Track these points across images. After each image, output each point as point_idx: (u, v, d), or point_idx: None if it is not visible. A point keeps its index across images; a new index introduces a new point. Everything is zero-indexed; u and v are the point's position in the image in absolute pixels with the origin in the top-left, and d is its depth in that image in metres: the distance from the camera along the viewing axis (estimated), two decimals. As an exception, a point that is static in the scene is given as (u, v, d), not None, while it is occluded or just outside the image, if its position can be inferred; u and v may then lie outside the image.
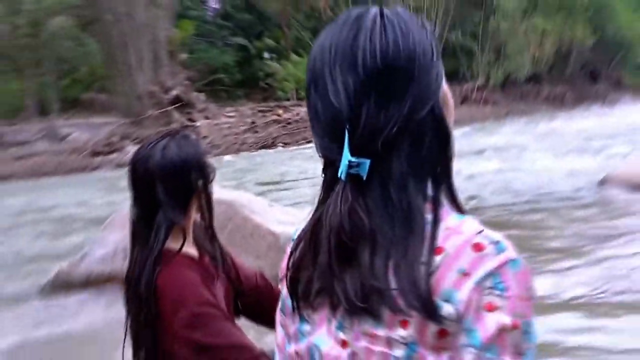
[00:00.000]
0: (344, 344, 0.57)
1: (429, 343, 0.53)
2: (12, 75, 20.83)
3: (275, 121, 18.11)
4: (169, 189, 1.15)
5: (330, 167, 0.58)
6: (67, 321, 2.83)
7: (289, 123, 19.00)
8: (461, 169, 7.76)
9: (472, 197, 5.79)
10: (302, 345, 0.63)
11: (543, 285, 2.97)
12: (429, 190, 0.57)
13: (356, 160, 0.54)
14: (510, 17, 24.59)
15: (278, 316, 0.70)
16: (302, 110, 20.70)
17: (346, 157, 0.54)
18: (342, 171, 0.54)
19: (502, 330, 0.51)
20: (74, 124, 18.34)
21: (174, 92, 17.39)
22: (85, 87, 21.73)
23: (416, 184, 0.55)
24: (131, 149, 16.36)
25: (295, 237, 0.63)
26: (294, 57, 24.91)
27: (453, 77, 26.09)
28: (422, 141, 0.55)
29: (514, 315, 0.51)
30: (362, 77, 0.54)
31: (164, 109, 16.95)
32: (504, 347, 0.51)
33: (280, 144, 16.71)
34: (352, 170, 0.54)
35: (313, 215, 0.59)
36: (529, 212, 4.87)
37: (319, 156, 0.59)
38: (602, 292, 2.89)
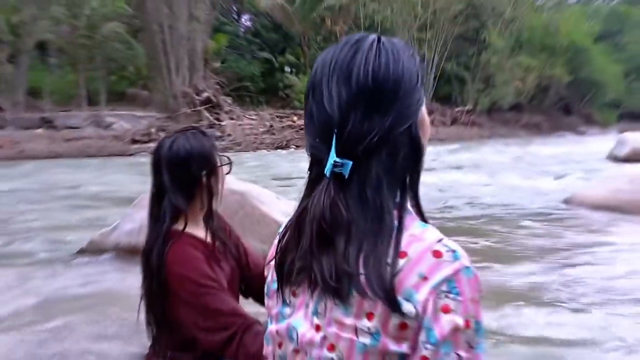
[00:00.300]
0: (317, 328, 0.57)
1: (391, 334, 0.53)
2: (68, 69, 21.18)
3: (289, 126, 18.14)
4: (173, 177, 1.15)
5: (316, 165, 0.58)
6: (92, 284, 2.80)
7: (301, 128, 19.04)
8: (442, 179, 7.70)
9: (448, 206, 5.69)
10: (282, 326, 0.62)
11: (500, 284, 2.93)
12: (398, 197, 0.57)
13: (340, 161, 0.54)
14: (499, 53, 24.49)
15: (265, 300, 0.69)
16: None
17: (332, 157, 0.54)
18: (328, 169, 0.55)
19: (456, 330, 0.52)
20: (118, 114, 18.41)
21: (205, 94, 17.38)
22: (131, 83, 21.95)
23: (389, 188, 0.56)
24: (165, 140, 16.46)
25: (283, 227, 0.63)
26: (310, 72, 24.91)
27: (446, 101, 25.98)
28: (397, 152, 0.56)
29: (467, 316, 0.52)
30: (354, 90, 0.55)
31: (196, 108, 16.97)
32: (458, 343, 0.52)
33: (293, 146, 16.76)
34: (336, 169, 0.54)
35: (299, 206, 0.59)
36: (497, 223, 4.77)
37: (307, 155, 0.59)
38: (554, 293, 2.83)
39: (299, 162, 11.37)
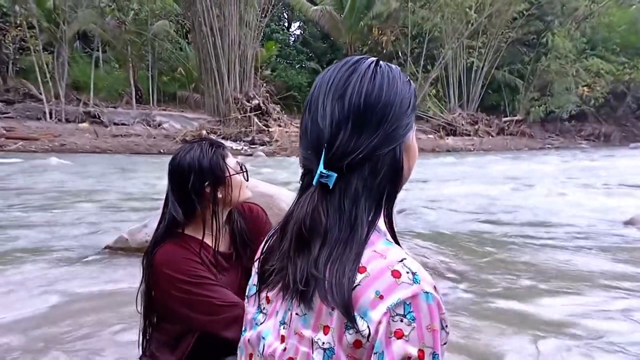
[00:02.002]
0: (282, 339, 0.57)
1: (346, 350, 0.52)
2: (118, 65, 21.32)
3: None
4: (173, 187, 1.18)
5: (307, 175, 0.59)
6: (115, 281, 2.67)
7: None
8: (484, 192, 7.03)
9: (489, 220, 5.06)
10: (253, 334, 0.62)
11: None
12: (371, 214, 0.57)
13: (326, 172, 0.56)
14: (563, 58, 22.12)
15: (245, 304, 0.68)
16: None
17: (320, 168, 0.56)
18: (315, 179, 0.56)
19: (407, 359, 0.49)
20: (169, 115, 18.65)
21: (255, 101, 17.62)
22: (181, 85, 22.27)
23: (366, 202, 0.56)
24: (214, 143, 16.80)
25: (272, 231, 0.64)
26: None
27: (493, 110, 24.53)
28: (379, 171, 0.57)
29: (421, 345, 0.49)
30: (346, 108, 0.56)
31: (246, 114, 17.27)
32: None
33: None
34: (323, 180, 0.56)
35: (288, 211, 0.60)
36: (538, 240, 4.16)
37: (300, 166, 0.61)
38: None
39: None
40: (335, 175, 0.55)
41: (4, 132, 14.24)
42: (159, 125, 17.47)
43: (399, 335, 0.49)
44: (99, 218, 4.87)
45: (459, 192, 7.14)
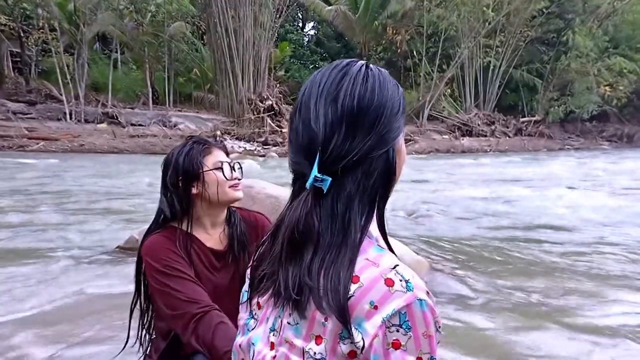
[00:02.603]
0: (272, 346, 0.57)
1: None
2: (135, 66, 21.55)
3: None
4: (161, 182, 1.24)
5: (299, 180, 0.59)
6: (123, 281, 2.69)
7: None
8: (498, 193, 6.87)
9: (507, 225, 4.91)
10: (244, 339, 0.62)
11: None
12: (364, 217, 0.56)
13: (321, 176, 0.55)
14: (584, 57, 21.39)
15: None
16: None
17: (314, 172, 0.55)
18: (309, 183, 0.55)
19: None
20: (184, 115, 18.81)
21: (268, 102, 17.63)
22: (197, 86, 22.43)
23: (359, 205, 0.56)
24: (230, 143, 16.97)
25: (266, 236, 0.63)
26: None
27: (511, 111, 23.94)
28: (372, 174, 0.56)
29: (419, 353, 0.50)
30: (339, 111, 0.55)
31: (259, 115, 17.30)
32: None
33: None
34: (317, 184, 0.55)
35: (280, 216, 0.59)
36: (558, 245, 3.97)
37: (290, 171, 0.60)
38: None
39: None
40: (330, 179, 0.55)
41: (26, 132, 14.61)
42: (174, 126, 17.65)
43: (397, 345, 0.50)
44: (111, 218, 4.91)
45: (473, 194, 6.95)
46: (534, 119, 23.09)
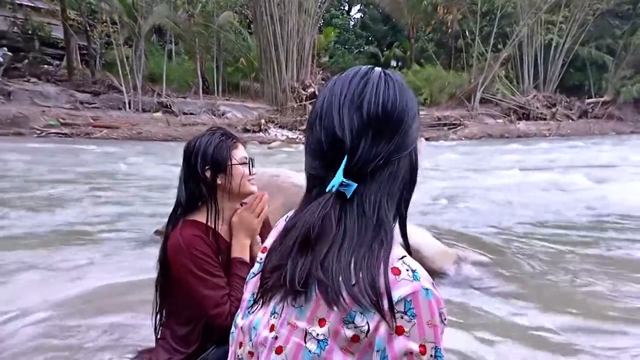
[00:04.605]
0: (272, 327, 0.58)
1: (340, 344, 0.53)
2: (187, 57, 22.31)
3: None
4: (183, 168, 1.27)
5: (317, 185, 0.60)
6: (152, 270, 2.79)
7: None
8: (561, 181, 6.31)
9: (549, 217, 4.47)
10: (246, 322, 0.64)
11: None
12: (393, 218, 0.58)
13: (347, 182, 0.56)
14: None
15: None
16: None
17: (339, 177, 0.56)
18: (333, 185, 0.56)
19: (409, 355, 0.50)
20: (231, 104, 19.37)
21: (311, 89, 17.62)
22: (244, 75, 22.97)
23: (388, 205, 0.58)
24: (273, 131, 17.27)
25: (276, 231, 0.67)
26: (414, 66, 23.48)
27: (575, 91, 21.85)
28: (397, 176, 0.59)
29: (422, 340, 0.51)
30: (365, 118, 0.57)
31: (302, 103, 17.36)
32: None
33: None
34: (341, 188, 0.56)
35: (292, 216, 0.62)
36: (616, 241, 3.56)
37: (307, 176, 0.62)
38: None
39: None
40: (355, 184, 0.56)
41: (92, 121, 15.89)
42: (222, 115, 18.27)
43: (400, 331, 0.50)
44: (153, 203, 5.18)
45: (520, 181, 6.49)
46: (602, 99, 20.92)
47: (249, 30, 22.26)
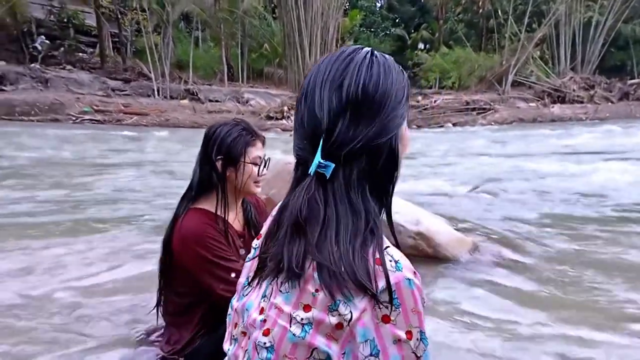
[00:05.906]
0: (261, 310, 0.60)
1: (324, 331, 0.54)
2: (213, 44, 22.41)
3: (413, 106, 16.85)
4: (200, 151, 1.29)
5: (302, 165, 0.60)
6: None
7: (425, 109, 17.57)
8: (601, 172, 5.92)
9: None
10: (240, 304, 0.65)
11: None
12: (375, 204, 0.59)
13: (324, 162, 0.56)
14: None
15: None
16: (440, 98, 18.86)
17: (317, 158, 0.56)
18: (312, 169, 0.57)
19: (398, 341, 0.53)
20: (255, 91, 19.44)
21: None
22: (268, 61, 22.93)
23: (369, 189, 0.58)
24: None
25: (270, 218, 0.66)
26: (443, 48, 22.59)
27: (616, 72, 20.45)
28: (377, 161, 0.58)
29: (408, 326, 0.53)
30: (344, 99, 0.56)
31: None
32: (402, 354, 0.53)
33: (414, 126, 15.61)
34: (320, 170, 0.56)
35: (283, 201, 0.61)
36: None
37: (294, 156, 0.61)
38: None
39: (418, 143, 10.47)
40: (333, 165, 0.56)
41: (122, 107, 16.38)
42: (247, 102, 18.36)
43: (387, 320, 0.52)
44: (176, 191, 5.26)
45: (549, 169, 6.18)
46: (647, 80, 19.45)
47: (274, 15, 22.06)
